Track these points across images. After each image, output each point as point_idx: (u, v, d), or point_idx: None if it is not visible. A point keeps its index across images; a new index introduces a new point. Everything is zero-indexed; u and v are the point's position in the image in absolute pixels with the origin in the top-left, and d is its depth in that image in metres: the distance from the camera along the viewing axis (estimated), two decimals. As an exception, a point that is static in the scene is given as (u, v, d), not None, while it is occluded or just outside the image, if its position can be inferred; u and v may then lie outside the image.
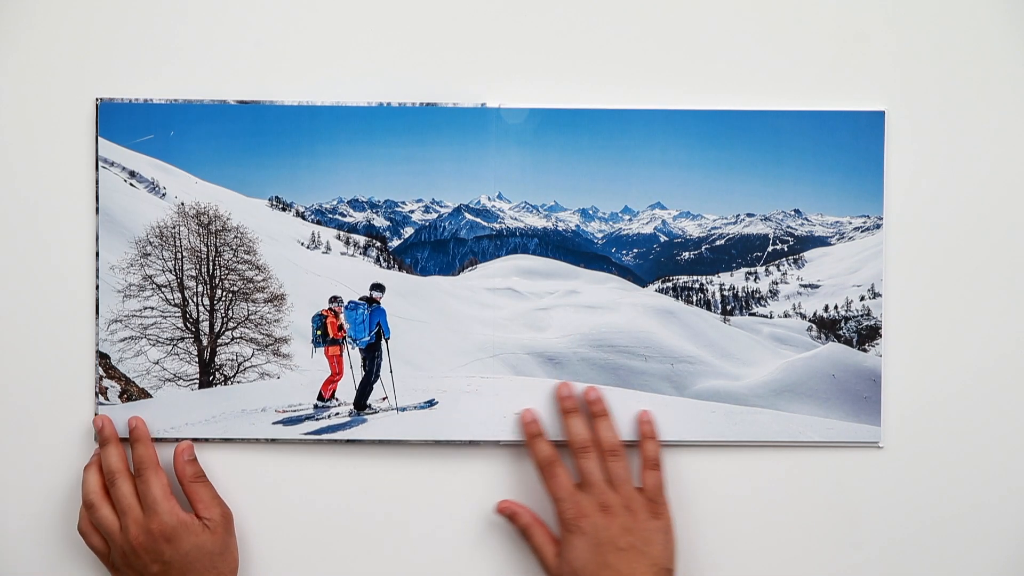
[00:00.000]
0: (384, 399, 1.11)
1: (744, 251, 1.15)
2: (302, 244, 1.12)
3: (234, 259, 1.10)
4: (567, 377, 1.10)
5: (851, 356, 1.11)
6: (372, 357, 1.11)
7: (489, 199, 1.11)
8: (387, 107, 1.08)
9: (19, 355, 1.08)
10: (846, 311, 1.12)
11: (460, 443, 1.08)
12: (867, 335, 1.10)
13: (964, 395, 1.09)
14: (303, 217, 1.11)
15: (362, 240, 1.14)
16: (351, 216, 1.12)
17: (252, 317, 1.10)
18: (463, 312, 1.12)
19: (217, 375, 1.10)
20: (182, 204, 1.10)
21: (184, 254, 1.10)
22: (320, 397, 1.10)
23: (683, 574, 1.08)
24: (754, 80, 1.09)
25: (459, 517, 1.09)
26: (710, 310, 1.14)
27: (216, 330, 1.10)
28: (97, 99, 1.07)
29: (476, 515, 1.09)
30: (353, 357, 1.11)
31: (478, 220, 1.13)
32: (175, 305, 1.10)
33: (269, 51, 1.08)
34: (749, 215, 1.12)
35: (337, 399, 1.11)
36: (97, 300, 1.08)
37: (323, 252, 1.13)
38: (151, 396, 1.09)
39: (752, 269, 1.15)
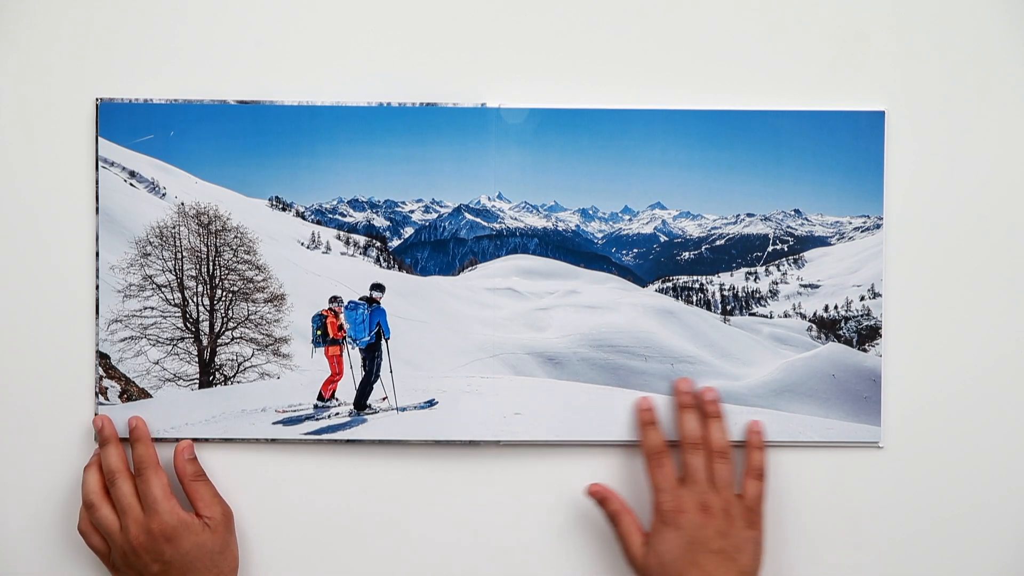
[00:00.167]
0: (384, 399, 1.11)
1: (744, 251, 1.15)
2: (302, 244, 1.12)
3: (234, 259, 1.10)
4: (567, 377, 1.10)
5: (851, 356, 1.11)
6: (372, 357, 1.11)
7: (489, 199, 1.11)
8: (387, 107, 1.08)
9: (19, 355, 1.08)
10: (846, 311, 1.12)
11: (460, 443, 1.08)
12: (867, 335, 1.10)
13: (964, 395, 1.09)
14: (303, 217, 1.11)
15: (362, 240, 1.14)
16: (351, 216, 1.12)
17: (252, 317, 1.10)
18: (463, 312, 1.12)
19: (217, 375, 1.10)
20: (182, 204, 1.10)
21: (184, 254, 1.10)
22: (320, 397, 1.10)
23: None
24: (754, 80, 1.09)
25: (459, 517, 1.09)
26: (710, 310, 1.14)
27: (216, 330, 1.10)
28: (97, 99, 1.07)
29: (476, 515, 1.09)
30: (353, 357, 1.11)
31: (478, 220, 1.13)
32: (175, 305, 1.10)
33: (269, 51, 1.08)
34: (749, 215, 1.12)
35: (337, 399, 1.11)
36: (97, 300, 1.08)
37: (323, 252, 1.13)
38: (151, 396, 1.09)
39: (752, 269, 1.15)
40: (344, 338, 1.11)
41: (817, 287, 1.14)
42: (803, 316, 1.13)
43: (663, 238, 1.14)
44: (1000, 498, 1.09)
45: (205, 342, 1.10)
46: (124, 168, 1.09)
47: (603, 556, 1.09)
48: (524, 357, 1.11)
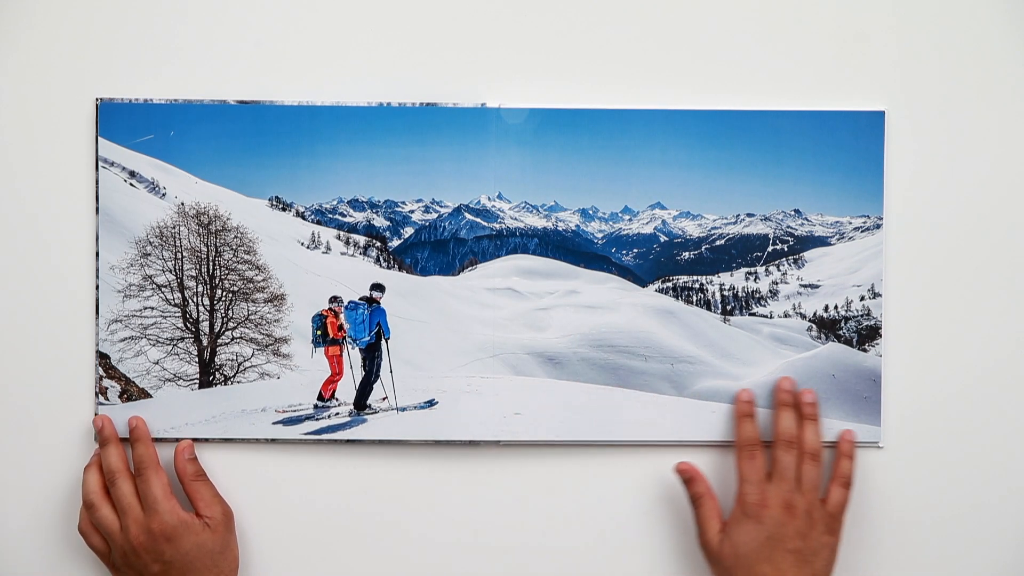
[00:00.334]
0: (384, 399, 1.11)
1: (744, 251, 1.15)
2: (302, 244, 1.12)
3: (234, 259, 1.10)
4: (567, 377, 1.10)
5: (851, 356, 1.11)
6: (372, 357, 1.11)
7: (489, 199, 1.11)
8: (387, 107, 1.08)
9: (19, 355, 1.08)
10: (846, 311, 1.12)
11: (460, 443, 1.08)
12: (867, 335, 1.10)
13: (964, 395, 1.09)
14: (303, 217, 1.11)
15: (362, 240, 1.14)
16: (351, 216, 1.12)
17: (252, 317, 1.10)
18: (463, 312, 1.12)
19: (217, 375, 1.10)
20: (182, 204, 1.10)
21: (184, 254, 1.10)
22: (320, 397, 1.10)
23: (681, 570, 1.09)
24: (754, 80, 1.09)
25: (459, 517, 1.09)
26: (710, 310, 1.14)
27: (216, 330, 1.10)
28: (97, 99, 1.07)
29: (476, 515, 1.09)
30: (353, 357, 1.11)
31: (478, 220, 1.13)
32: (175, 305, 1.10)
33: (269, 51, 1.08)
34: (749, 215, 1.12)
35: (337, 399, 1.11)
36: (97, 300, 1.08)
37: (323, 252, 1.13)
38: (151, 396, 1.09)
39: (752, 269, 1.15)
40: (344, 338, 1.11)
41: (817, 287, 1.14)
42: (803, 316, 1.13)
43: (663, 238, 1.14)
44: (1000, 498, 1.09)
45: (205, 342, 1.10)
46: (124, 168, 1.09)
47: (603, 555, 1.09)
48: (524, 357, 1.11)
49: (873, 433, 1.09)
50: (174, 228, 1.10)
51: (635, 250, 1.14)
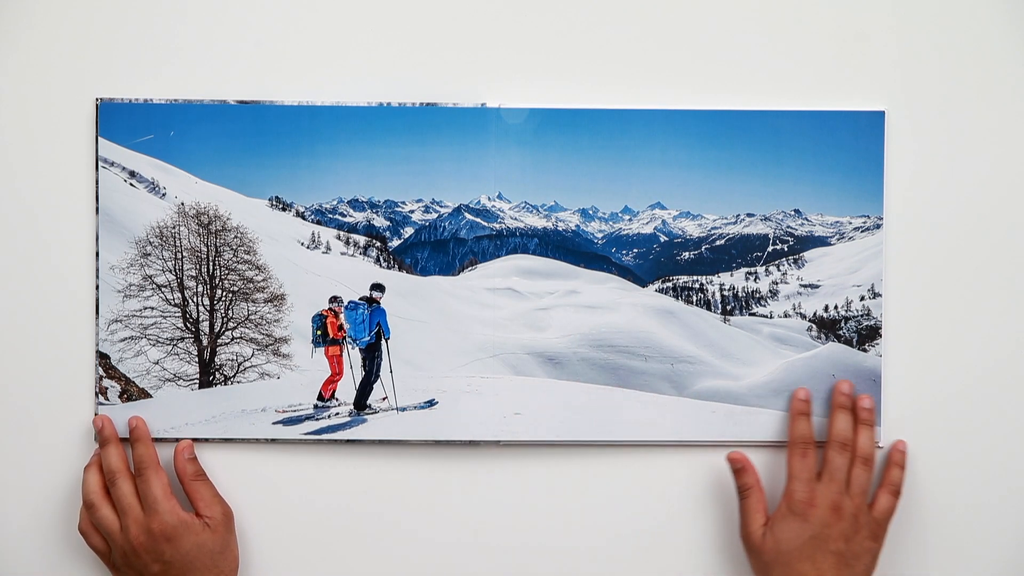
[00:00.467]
0: (384, 399, 1.11)
1: (744, 251, 1.15)
2: (302, 244, 1.12)
3: (234, 259, 1.10)
4: (567, 377, 1.10)
5: (851, 356, 1.11)
6: (372, 357, 1.11)
7: (489, 199, 1.11)
8: (387, 107, 1.08)
9: (19, 355, 1.08)
10: (846, 311, 1.12)
11: (460, 443, 1.08)
12: (867, 335, 1.10)
13: (964, 395, 1.09)
14: (303, 217, 1.11)
15: (362, 240, 1.14)
16: (351, 216, 1.12)
17: (252, 317, 1.10)
18: (463, 312, 1.12)
19: (217, 375, 1.10)
20: (182, 204, 1.10)
21: (184, 254, 1.10)
22: (320, 397, 1.10)
23: (682, 571, 1.09)
24: (754, 80, 1.09)
25: (459, 517, 1.09)
26: (710, 310, 1.14)
27: (216, 330, 1.10)
28: (97, 99, 1.07)
29: (476, 515, 1.09)
30: (353, 357, 1.11)
31: (478, 220, 1.13)
32: (175, 305, 1.10)
33: (269, 51, 1.08)
34: (749, 215, 1.12)
35: (337, 399, 1.11)
36: (97, 300, 1.08)
37: (323, 252, 1.13)
38: (151, 396, 1.09)
39: (752, 269, 1.15)
40: (344, 338, 1.11)
41: (817, 287, 1.14)
42: (803, 316, 1.13)
43: (663, 238, 1.14)
44: (1000, 498, 1.09)
45: (205, 342, 1.10)
46: (124, 168, 1.09)
47: (603, 555, 1.09)
48: (524, 357, 1.11)
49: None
50: (174, 228, 1.10)
51: (635, 250, 1.14)
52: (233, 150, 1.08)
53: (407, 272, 1.14)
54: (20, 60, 1.08)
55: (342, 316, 1.11)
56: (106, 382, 1.09)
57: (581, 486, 1.09)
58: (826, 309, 1.13)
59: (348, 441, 1.08)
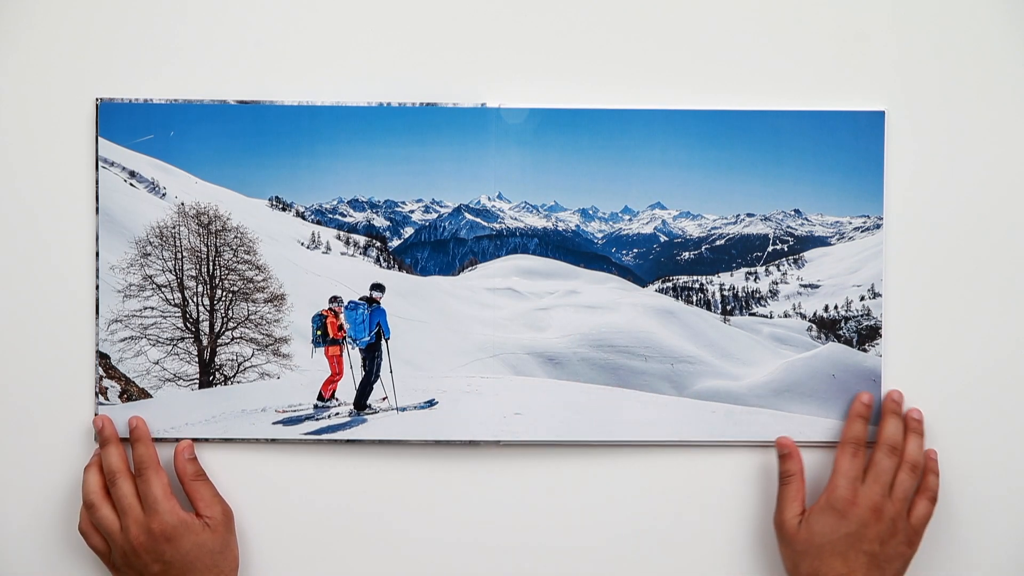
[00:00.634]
0: (384, 399, 1.11)
1: (744, 251, 1.15)
2: (302, 244, 1.12)
3: (234, 259, 1.10)
4: (567, 377, 1.10)
5: (851, 356, 1.11)
6: (372, 357, 1.11)
7: (489, 199, 1.11)
8: (387, 107, 1.08)
9: (19, 355, 1.08)
10: (846, 311, 1.12)
11: (460, 443, 1.08)
12: (867, 335, 1.10)
13: (964, 395, 1.09)
14: (303, 217, 1.11)
15: (362, 240, 1.14)
16: (351, 216, 1.12)
17: (252, 317, 1.10)
18: (463, 312, 1.12)
19: (217, 375, 1.10)
20: (182, 204, 1.10)
21: (184, 254, 1.10)
22: (320, 397, 1.10)
23: (682, 570, 1.09)
24: (754, 80, 1.09)
25: (459, 517, 1.09)
26: (710, 310, 1.14)
27: (216, 330, 1.10)
28: (97, 99, 1.07)
29: (476, 515, 1.09)
30: (353, 357, 1.11)
31: (478, 220, 1.13)
32: (175, 305, 1.10)
33: (269, 51, 1.08)
34: (749, 215, 1.12)
35: (337, 399, 1.11)
36: (97, 300, 1.08)
37: (323, 252, 1.13)
38: (151, 396, 1.09)
39: (752, 269, 1.15)
40: (344, 338, 1.11)
41: (817, 287, 1.14)
42: (803, 316, 1.13)
43: (663, 238, 1.14)
44: (1000, 498, 1.09)
45: (205, 342, 1.10)
46: (124, 168, 1.09)
47: (603, 555, 1.09)
48: (524, 357, 1.11)
49: (873, 433, 1.09)
50: (174, 228, 1.10)
51: (635, 250, 1.14)
52: (233, 150, 1.08)
53: (407, 272, 1.14)
54: (20, 60, 1.08)
55: (342, 316, 1.11)
56: (106, 382, 1.09)
57: (581, 486, 1.09)
58: (826, 309, 1.13)
59: (348, 441, 1.08)
